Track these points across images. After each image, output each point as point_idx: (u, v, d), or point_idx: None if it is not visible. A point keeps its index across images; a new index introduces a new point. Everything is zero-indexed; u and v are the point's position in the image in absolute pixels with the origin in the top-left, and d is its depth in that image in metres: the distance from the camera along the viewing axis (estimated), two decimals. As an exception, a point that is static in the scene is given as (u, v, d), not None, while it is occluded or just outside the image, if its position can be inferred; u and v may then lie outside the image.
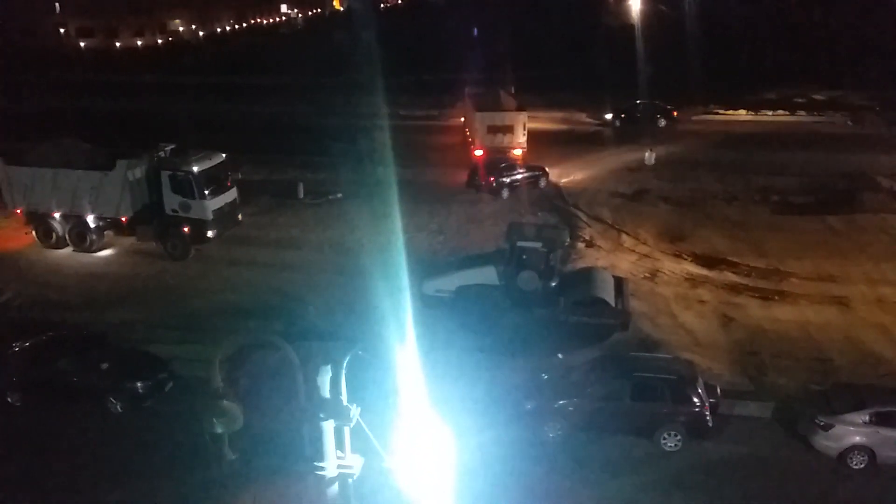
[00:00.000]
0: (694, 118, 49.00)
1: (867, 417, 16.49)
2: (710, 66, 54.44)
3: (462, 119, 44.82)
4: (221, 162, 27.87)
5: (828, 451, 16.72)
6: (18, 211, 28.23)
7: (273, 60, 65.97)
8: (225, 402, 8.69)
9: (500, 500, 15.15)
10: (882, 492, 15.93)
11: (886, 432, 16.35)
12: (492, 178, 34.08)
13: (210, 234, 27.14)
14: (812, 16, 63.55)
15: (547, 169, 35.75)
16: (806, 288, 24.72)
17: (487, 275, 22.39)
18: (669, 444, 17.12)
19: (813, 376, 19.54)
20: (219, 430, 8.63)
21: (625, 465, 16.74)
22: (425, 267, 24.25)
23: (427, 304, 22.24)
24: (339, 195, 33.68)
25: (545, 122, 46.84)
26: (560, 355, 19.95)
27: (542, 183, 35.25)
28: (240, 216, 28.89)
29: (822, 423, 16.70)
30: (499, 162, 35.05)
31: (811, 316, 22.99)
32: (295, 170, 36.98)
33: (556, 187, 35.16)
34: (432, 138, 43.88)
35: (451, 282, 22.63)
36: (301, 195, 34.07)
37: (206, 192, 26.74)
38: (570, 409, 17.50)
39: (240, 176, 31.18)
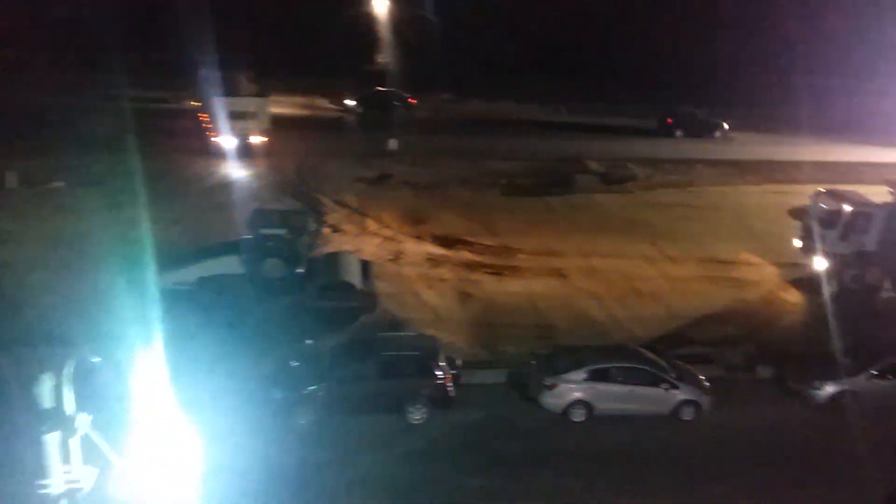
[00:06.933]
0: (432, 106, 51.22)
1: (585, 375, 18.54)
2: (450, 57, 56.82)
3: (198, 103, 42.49)
4: None
5: (554, 408, 18.49)
6: None
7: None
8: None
9: (250, 495, 14.86)
10: (598, 439, 18.05)
11: (601, 387, 18.48)
12: None
13: None
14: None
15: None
16: (531, 262, 27.10)
17: (230, 264, 21.74)
18: (416, 417, 17.92)
19: (539, 341, 21.45)
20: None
21: (376, 441, 17.22)
22: (164, 258, 22.85)
23: (167, 298, 20.99)
24: (61, 183, 30.46)
25: (287, 107, 46.21)
26: (309, 341, 19.95)
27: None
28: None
29: (547, 384, 18.50)
30: None
31: (536, 287, 25.26)
32: (4, 157, 32.67)
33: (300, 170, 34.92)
34: (167, 123, 41.23)
35: (191, 273, 21.65)
36: (12, 184, 30.26)
37: None
38: (321, 393, 17.62)
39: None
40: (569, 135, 45.77)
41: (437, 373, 18.00)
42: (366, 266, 23.45)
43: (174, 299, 21.03)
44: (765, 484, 16.44)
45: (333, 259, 23.56)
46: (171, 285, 21.37)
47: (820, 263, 25.44)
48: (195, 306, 21.03)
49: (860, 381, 19.39)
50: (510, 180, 36.25)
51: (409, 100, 49.43)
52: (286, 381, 17.88)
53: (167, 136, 38.30)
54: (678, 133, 47.09)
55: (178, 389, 12.00)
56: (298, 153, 37.36)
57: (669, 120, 47.46)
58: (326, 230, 28.41)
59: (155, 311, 18.35)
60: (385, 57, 53.77)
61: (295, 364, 18.54)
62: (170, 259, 22.99)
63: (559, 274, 26.27)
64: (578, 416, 18.44)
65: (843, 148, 44.28)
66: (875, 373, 19.48)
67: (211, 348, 19.33)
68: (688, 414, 18.64)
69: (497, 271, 26.27)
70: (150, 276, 20.90)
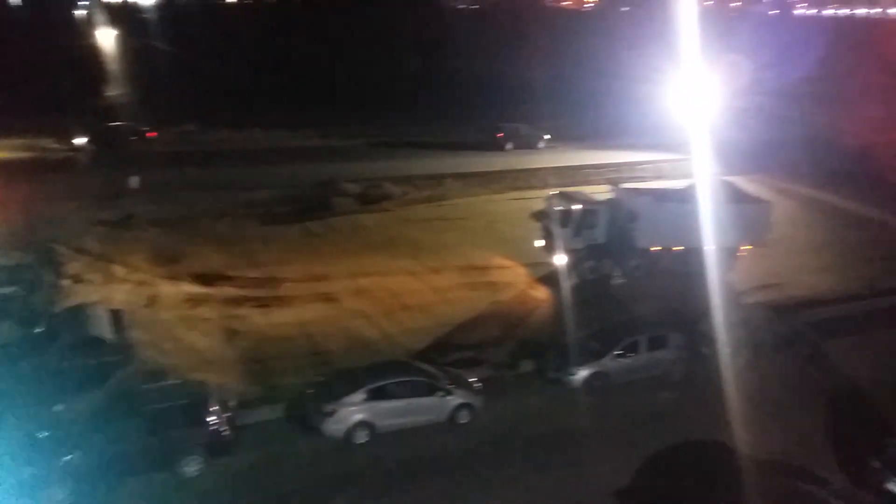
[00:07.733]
0: (174, 138, 48.73)
1: (363, 396, 18.62)
2: (191, 87, 54.40)
3: None
4: None
5: (336, 434, 18.36)
6: None
7: None
8: None
9: None
10: (382, 456, 18.20)
11: (380, 405, 18.66)
12: None
13: None
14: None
15: None
16: (299, 290, 26.70)
17: (-49, 334, 18.98)
18: (191, 469, 16.87)
19: (316, 369, 21.25)
20: None
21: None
22: None
23: None
24: None
25: (6, 150, 41.56)
26: (58, 407, 17.98)
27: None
28: None
29: (326, 411, 18.33)
30: None
31: (306, 315, 24.94)
32: None
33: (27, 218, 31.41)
34: None
35: None
36: None
37: None
38: (80, 462, 15.98)
39: None
40: (326, 159, 45.71)
41: (208, 419, 17.12)
42: (116, 316, 21.68)
43: None
44: (539, 467, 17.69)
45: (77, 313, 21.49)
46: None
47: (560, 259, 27.91)
48: None
49: (607, 362, 21.58)
50: (267, 209, 35.51)
51: (147, 133, 46.55)
52: (35, 455, 15.97)
53: None
54: (509, 146, 49.90)
55: None
56: (24, 200, 33.60)
57: (499, 134, 50.24)
58: (66, 282, 25.80)
59: None
60: (116, 90, 50.25)
61: (43, 434, 16.62)
62: None
63: (328, 298, 26.20)
64: (361, 437, 18.52)
65: (597, 153, 48.66)
66: (619, 353, 21.80)
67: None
68: (463, 417, 19.49)
69: (263, 303, 25.58)
70: None
